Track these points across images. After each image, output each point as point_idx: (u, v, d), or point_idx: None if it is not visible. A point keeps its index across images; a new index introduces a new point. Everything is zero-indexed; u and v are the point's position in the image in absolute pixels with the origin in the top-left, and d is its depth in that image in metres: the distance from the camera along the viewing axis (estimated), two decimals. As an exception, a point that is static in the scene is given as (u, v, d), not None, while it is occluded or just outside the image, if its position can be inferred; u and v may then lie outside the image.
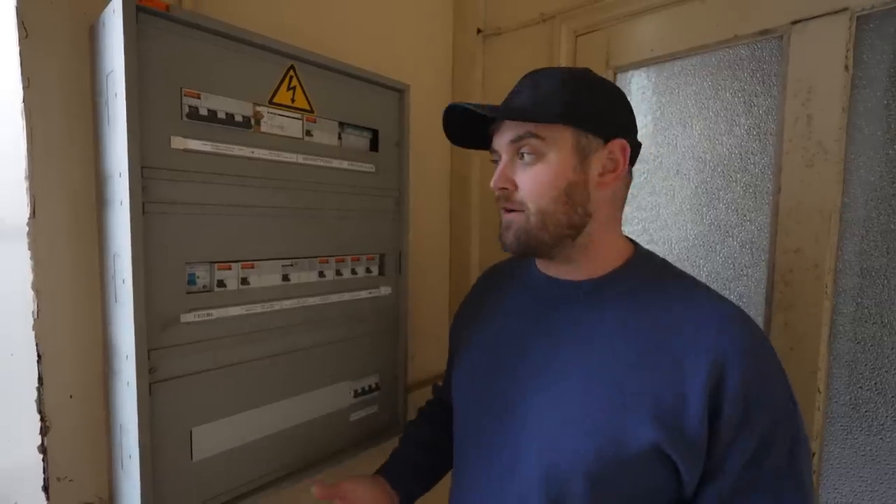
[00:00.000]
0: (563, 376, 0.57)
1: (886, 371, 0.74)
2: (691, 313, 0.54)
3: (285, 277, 0.76)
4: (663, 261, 0.63)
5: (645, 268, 0.61)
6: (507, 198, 0.59)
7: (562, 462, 0.54)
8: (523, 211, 0.58)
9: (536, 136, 0.56)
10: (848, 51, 0.74)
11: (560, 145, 0.56)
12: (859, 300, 0.76)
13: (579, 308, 0.60)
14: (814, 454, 0.78)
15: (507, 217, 0.59)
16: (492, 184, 0.59)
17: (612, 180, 0.58)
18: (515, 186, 0.58)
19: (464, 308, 0.78)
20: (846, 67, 0.74)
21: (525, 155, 0.57)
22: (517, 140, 0.57)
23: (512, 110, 0.58)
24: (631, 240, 0.65)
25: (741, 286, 0.86)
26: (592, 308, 0.59)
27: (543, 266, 0.66)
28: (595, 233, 0.59)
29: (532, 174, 0.57)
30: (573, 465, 0.53)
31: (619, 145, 0.57)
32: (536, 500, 0.55)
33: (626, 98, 0.61)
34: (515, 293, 0.68)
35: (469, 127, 0.62)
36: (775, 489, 0.50)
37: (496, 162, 0.61)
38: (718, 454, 0.50)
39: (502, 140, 0.59)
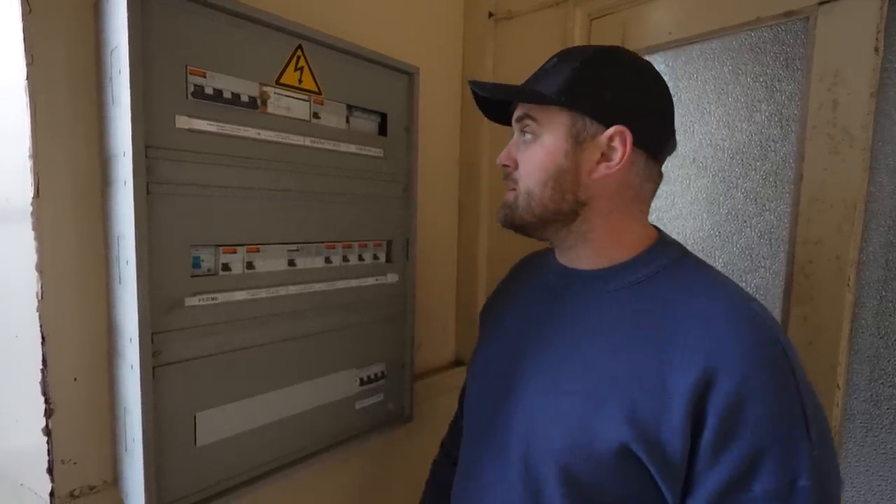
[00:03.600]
0: (550, 364, 0.56)
1: (910, 367, 0.71)
2: (703, 313, 0.48)
3: (291, 262, 0.75)
4: (686, 254, 0.57)
5: (659, 260, 0.55)
6: (506, 175, 0.60)
7: (537, 451, 0.53)
8: (516, 189, 0.58)
9: (531, 118, 0.56)
10: (879, 32, 0.70)
11: (554, 128, 0.54)
12: (883, 293, 0.73)
13: (580, 297, 0.58)
14: None
15: (508, 194, 0.60)
16: (498, 158, 0.61)
17: (612, 169, 0.53)
18: (516, 165, 0.59)
19: (493, 295, 0.77)
20: (876, 50, 0.71)
21: (525, 134, 0.58)
22: (519, 120, 0.58)
23: (502, 89, 0.58)
24: (658, 230, 0.60)
25: (758, 278, 0.84)
26: (592, 297, 0.57)
27: (558, 254, 0.64)
28: (595, 221, 0.56)
29: (528, 154, 0.57)
30: (547, 455, 0.52)
31: (616, 132, 0.52)
32: (519, 491, 0.55)
33: (653, 81, 0.56)
34: (535, 281, 0.68)
35: (498, 102, 0.63)
36: None
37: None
38: (694, 468, 0.45)
39: (514, 117, 0.60)
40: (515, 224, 0.59)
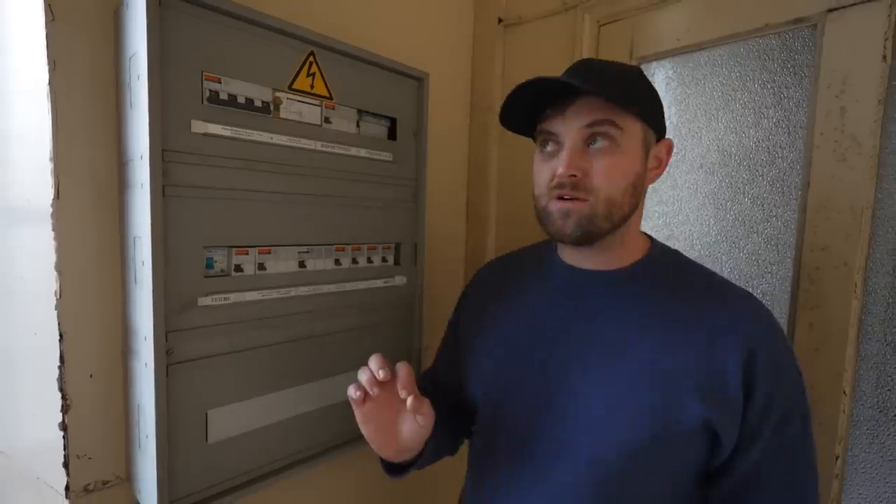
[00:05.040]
0: (605, 364, 0.58)
1: (917, 374, 0.71)
2: (718, 300, 0.58)
3: (301, 264, 0.76)
4: (678, 252, 0.66)
5: (665, 259, 0.64)
6: (574, 185, 0.56)
7: (611, 448, 0.56)
8: (587, 200, 0.56)
9: (614, 124, 0.55)
10: (886, 40, 0.71)
11: (633, 136, 0.57)
12: (890, 300, 0.73)
13: (613, 297, 0.61)
14: (837, 458, 0.75)
15: (564, 205, 0.57)
16: (561, 169, 0.56)
17: (655, 177, 0.62)
18: (584, 173, 0.56)
19: (470, 303, 0.76)
20: (884, 57, 0.71)
21: (598, 141, 0.56)
22: (593, 125, 0.55)
23: (603, 88, 0.54)
24: (645, 233, 0.66)
25: (765, 283, 0.84)
26: (625, 296, 0.61)
27: (569, 256, 0.65)
28: (632, 224, 0.62)
29: (607, 162, 0.56)
30: (622, 449, 0.55)
31: (667, 145, 0.61)
32: (583, 487, 0.57)
33: None
34: (539, 285, 0.67)
35: (521, 110, 0.61)
36: (798, 451, 0.56)
37: (545, 147, 0.60)
38: (753, 423, 0.55)
39: (571, 124, 0.56)
40: (592, 234, 0.57)
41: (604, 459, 0.56)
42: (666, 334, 0.57)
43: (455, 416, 0.73)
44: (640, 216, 0.64)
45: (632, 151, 0.57)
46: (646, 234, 0.67)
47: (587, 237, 0.57)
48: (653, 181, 0.62)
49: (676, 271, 0.62)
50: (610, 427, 0.56)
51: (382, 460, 0.68)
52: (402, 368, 0.56)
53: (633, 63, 0.97)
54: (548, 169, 0.59)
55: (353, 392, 0.57)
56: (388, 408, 0.59)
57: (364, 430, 0.60)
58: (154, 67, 0.58)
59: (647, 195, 0.96)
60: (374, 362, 0.57)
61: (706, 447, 0.56)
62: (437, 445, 0.68)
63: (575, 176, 0.56)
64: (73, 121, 0.63)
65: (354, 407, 0.58)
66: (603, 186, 0.56)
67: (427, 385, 0.81)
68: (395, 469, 0.68)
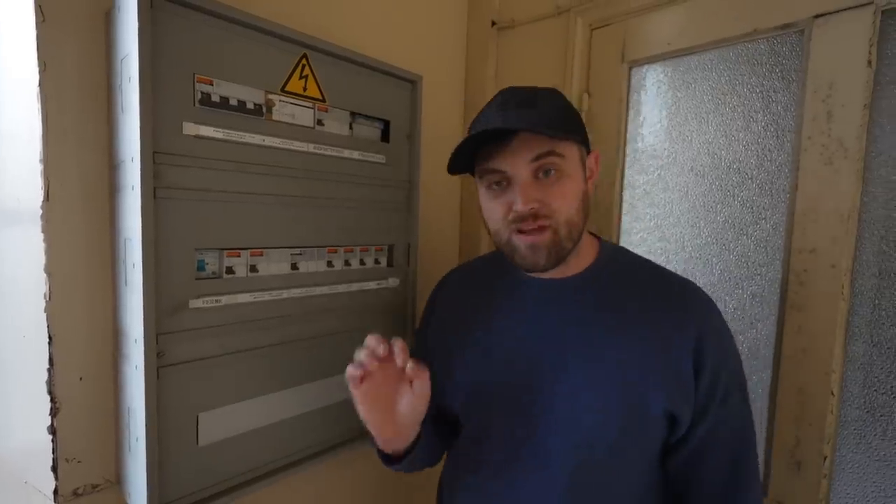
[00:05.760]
0: (576, 367, 0.62)
1: (903, 375, 0.72)
2: (667, 292, 0.64)
3: (294, 266, 0.76)
4: (625, 249, 0.72)
5: (615, 258, 0.69)
6: (534, 215, 0.59)
7: (587, 446, 0.60)
8: (549, 227, 0.59)
9: (558, 154, 0.59)
10: (871, 46, 0.72)
11: (573, 159, 0.61)
12: (877, 302, 0.74)
13: (575, 302, 0.65)
14: (826, 458, 0.76)
15: (529, 239, 0.60)
16: (520, 206, 0.58)
17: (592, 185, 0.66)
18: (541, 203, 0.59)
19: (439, 314, 0.77)
20: (869, 63, 0.72)
21: (548, 172, 0.59)
22: (538, 158, 0.58)
23: (545, 126, 0.58)
24: (591, 233, 0.70)
25: (754, 285, 0.85)
26: (588, 300, 0.65)
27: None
28: (584, 233, 0.65)
29: (559, 188, 0.59)
30: (597, 442, 0.60)
31: (595, 155, 0.66)
32: (563, 484, 0.61)
33: None
34: (507, 295, 0.70)
35: (464, 153, 0.62)
36: (738, 419, 0.62)
37: (492, 186, 0.62)
38: (702, 402, 0.60)
39: (517, 160, 0.59)
40: (561, 258, 0.61)
41: (582, 457, 0.60)
42: (625, 333, 0.61)
43: (435, 420, 0.74)
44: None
45: (575, 173, 0.61)
46: (591, 233, 0.70)
47: (557, 263, 0.61)
48: (592, 190, 0.66)
49: (627, 270, 0.67)
50: (585, 427, 0.60)
51: (379, 451, 0.69)
52: (399, 342, 0.58)
53: (625, 66, 0.98)
54: (501, 205, 0.61)
55: (352, 370, 0.58)
56: (386, 386, 0.60)
57: (362, 409, 0.61)
58: (145, 69, 0.58)
59: (639, 197, 0.98)
60: (371, 339, 0.58)
61: (668, 427, 0.61)
62: (428, 440, 0.69)
63: (534, 208, 0.58)
64: (63, 122, 0.63)
65: (352, 387, 0.59)
66: (561, 211, 0.59)
67: None
68: (392, 459, 0.68)
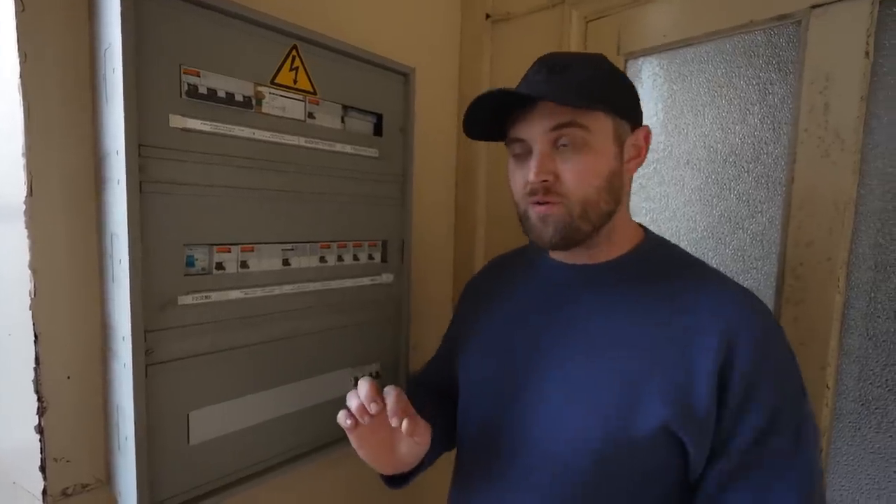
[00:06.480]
0: (570, 359, 0.57)
1: (898, 368, 0.72)
2: (703, 296, 0.55)
3: (286, 262, 0.75)
4: (674, 245, 0.64)
5: (655, 251, 0.62)
6: (546, 189, 0.55)
7: (566, 443, 0.55)
8: (561, 203, 0.55)
9: (580, 126, 0.53)
10: (869, 36, 0.71)
11: (603, 133, 0.55)
12: (873, 294, 0.74)
13: (590, 291, 0.60)
14: (821, 451, 0.76)
15: (541, 210, 0.56)
16: (531, 176, 0.55)
17: (635, 167, 0.60)
18: (556, 177, 0.55)
19: (470, 294, 0.77)
20: (867, 54, 0.71)
21: (565, 143, 0.55)
22: (558, 128, 0.54)
23: (560, 94, 0.53)
24: (641, 225, 0.65)
25: (750, 279, 0.84)
26: (603, 290, 0.59)
27: (557, 253, 0.64)
28: (618, 218, 0.60)
29: (577, 163, 0.54)
30: (578, 445, 0.54)
31: (644, 132, 0.59)
32: (547, 490, 0.56)
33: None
34: (525, 280, 0.67)
35: (486, 117, 0.59)
36: (779, 467, 0.50)
37: (517, 155, 0.59)
38: (726, 431, 0.50)
39: (535, 129, 0.55)
40: (573, 239, 0.56)
41: (559, 456, 0.55)
42: (636, 332, 0.55)
43: (447, 410, 0.73)
44: (626, 207, 0.62)
45: (603, 148, 0.55)
46: (641, 225, 0.65)
47: (567, 242, 0.57)
48: (633, 171, 0.60)
49: (664, 265, 0.60)
50: (564, 422, 0.55)
51: (381, 474, 0.67)
52: (392, 393, 0.54)
53: (620, 59, 0.97)
54: (521, 175, 0.58)
55: (343, 420, 0.55)
56: (382, 429, 0.57)
57: (359, 452, 0.59)
58: (129, 60, 0.57)
59: (634, 191, 0.97)
60: (363, 389, 0.54)
61: (676, 457, 0.52)
62: (437, 450, 0.67)
63: (546, 181, 0.55)
64: (46, 115, 0.61)
65: (347, 431, 0.56)
66: (576, 188, 0.54)
67: (416, 387, 0.81)
68: (394, 480, 0.67)
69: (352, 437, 0.57)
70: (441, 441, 0.67)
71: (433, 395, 0.76)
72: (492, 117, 0.60)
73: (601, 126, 0.55)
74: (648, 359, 0.53)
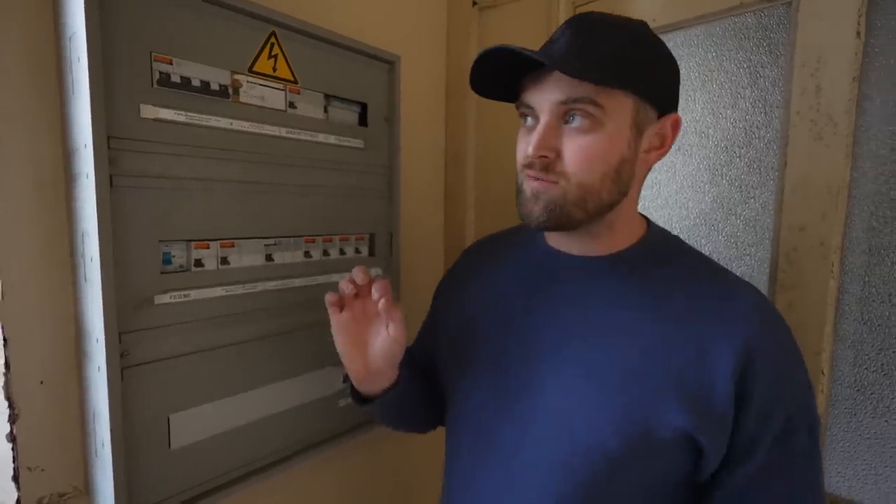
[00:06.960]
0: (579, 360, 0.53)
1: (893, 352, 0.71)
2: (718, 298, 0.52)
3: (269, 257, 0.73)
4: (677, 238, 0.61)
5: (661, 245, 0.58)
6: (543, 167, 0.50)
7: (579, 449, 0.50)
8: (558, 183, 0.50)
9: (594, 103, 0.48)
10: (860, 16, 0.70)
11: (619, 115, 0.49)
12: (867, 279, 0.73)
13: (593, 285, 0.56)
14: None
15: (535, 185, 0.51)
16: (530, 150, 0.50)
17: (657, 158, 0.54)
18: (557, 155, 0.50)
19: (449, 284, 0.74)
20: (858, 34, 0.70)
21: (575, 119, 0.49)
22: (569, 102, 0.48)
23: (571, 63, 0.47)
24: (642, 214, 0.61)
25: (744, 265, 0.83)
26: (609, 286, 0.55)
27: (554, 239, 0.61)
28: (623, 210, 0.55)
29: (583, 143, 0.49)
30: (592, 452, 0.50)
31: (672, 120, 0.53)
32: (548, 494, 0.52)
33: (676, 66, 0.54)
34: (516, 266, 0.64)
35: (496, 74, 0.54)
36: (802, 467, 0.50)
37: (525, 117, 0.54)
38: (747, 436, 0.49)
39: (547, 97, 0.50)
40: (561, 222, 0.51)
41: (570, 463, 0.51)
42: (651, 333, 0.51)
43: (429, 385, 0.71)
44: (634, 200, 0.57)
45: (616, 132, 0.49)
46: (645, 217, 0.61)
47: (554, 224, 0.52)
48: (654, 162, 0.54)
49: (669, 260, 0.55)
50: (576, 429, 0.51)
51: (352, 390, 0.68)
52: (381, 279, 0.58)
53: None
54: (525, 144, 0.53)
55: (329, 295, 0.60)
56: (364, 321, 0.61)
57: (337, 340, 0.62)
58: (95, 48, 0.54)
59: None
60: (357, 269, 0.59)
61: (688, 461, 0.50)
62: (406, 390, 0.66)
63: (545, 157, 0.50)
64: (10, 108, 0.58)
65: (331, 314, 0.61)
66: (576, 171, 0.49)
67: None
68: (364, 399, 0.67)
69: (334, 322, 0.61)
70: (411, 393, 0.68)
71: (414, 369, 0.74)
72: (508, 75, 0.54)
73: (619, 107, 0.49)
74: (652, 359, 0.50)
